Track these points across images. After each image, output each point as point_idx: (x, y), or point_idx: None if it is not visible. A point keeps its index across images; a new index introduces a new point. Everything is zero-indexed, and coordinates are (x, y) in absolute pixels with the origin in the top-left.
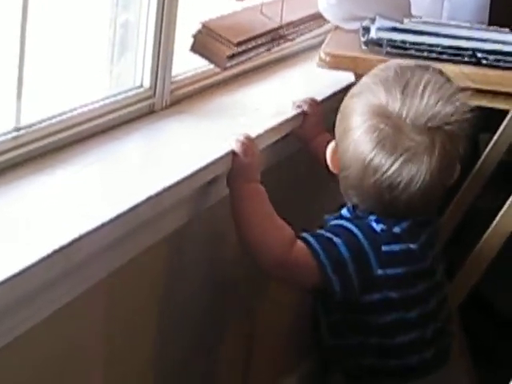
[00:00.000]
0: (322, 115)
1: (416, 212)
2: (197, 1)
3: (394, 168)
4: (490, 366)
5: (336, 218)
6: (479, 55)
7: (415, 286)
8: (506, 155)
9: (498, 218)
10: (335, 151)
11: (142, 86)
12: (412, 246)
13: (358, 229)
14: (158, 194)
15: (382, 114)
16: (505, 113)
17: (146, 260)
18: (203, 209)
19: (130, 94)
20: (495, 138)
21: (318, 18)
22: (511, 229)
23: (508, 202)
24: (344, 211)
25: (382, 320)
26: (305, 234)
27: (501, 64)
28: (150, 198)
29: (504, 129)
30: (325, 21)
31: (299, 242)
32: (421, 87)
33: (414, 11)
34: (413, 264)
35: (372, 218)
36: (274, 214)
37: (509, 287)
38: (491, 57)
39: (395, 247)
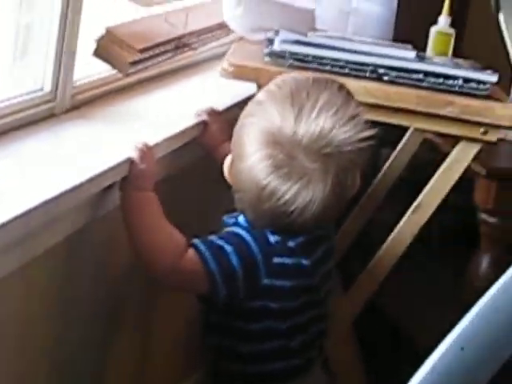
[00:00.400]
0: (225, 124)
1: (311, 230)
2: (102, 6)
3: (288, 195)
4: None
5: (234, 224)
6: (381, 71)
7: (297, 299)
8: (406, 172)
9: (394, 232)
10: (231, 166)
11: (42, 89)
12: (304, 261)
13: (253, 238)
14: (55, 199)
15: (275, 142)
16: (405, 128)
17: (41, 264)
18: (99, 215)
19: (30, 96)
20: (395, 153)
21: (223, 27)
22: (407, 242)
23: (405, 217)
24: (241, 219)
25: (256, 326)
26: (196, 241)
27: (401, 81)
28: (45, 203)
29: (404, 145)
30: (230, 31)
31: (190, 250)
32: (316, 110)
33: (319, 25)
34: (301, 279)
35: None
36: (165, 223)
37: (414, 307)
38: (393, 73)
39: (287, 260)
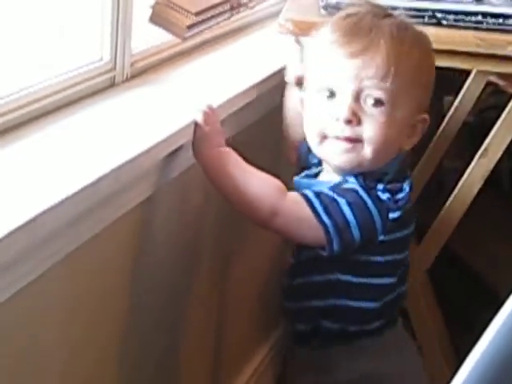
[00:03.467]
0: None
1: None
2: None
3: None
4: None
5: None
6: (439, 15)
7: (402, 251)
8: (472, 117)
9: (464, 178)
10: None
11: (102, 59)
12: (408, 210)
13: (368, 195)
14: (122, 167)
15: None
16: (468, 73)
17: (113, 233)
18: (169, 179)
19: (90, 67)
20: (459, 98)
21: None
22: (477, 188)
23: (473, 163)
24: (352, 180)
25: (364, 281)
26: (301, 191)
27: (460, 24)
28: (113, 171)
29: (466, 90)
30: None
31: (292, 192)
32: None
33: None
34: (406, 229)
35: (380, 187)
36: (253, 169)
37: (489, 252)
38: (451, 16)
39: (397, 214)
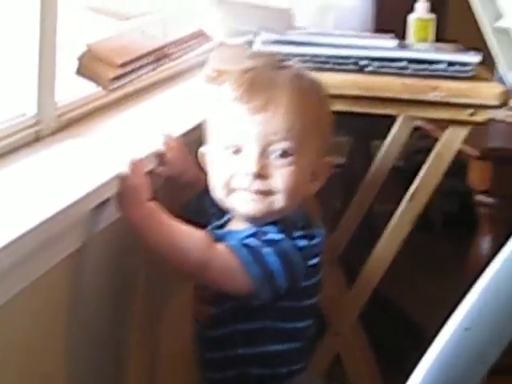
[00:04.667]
0: (184, 151)
1: None
2: (81, 25)
3: None
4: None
5: (250, 235)
6: (363, 62)
7: (318, 294)
8: (401, 161)
9: (393, 221)
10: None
11: (25, 114)
12: (319, 258)
13: (289, 243)
14: (50, 219)
15: None
16: (395, 118)
17: (43, 285)
18: (98, 230)
19: (15, 121)
20: (386, 143)
21: (202, 35)
22: (406, 231)
23: (401, 206)
24: (272, 230)
25: (287, 326)
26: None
27: (384, 70)
28: (41, 224)
29: (394, 134)
30: (209, 37)
31: (219, 244)
32: None
33: (299, 22)
34: (319, 274)
35: (297, 234)
36: (178, 224)
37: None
38: (375, 63)
39: (314, 261)
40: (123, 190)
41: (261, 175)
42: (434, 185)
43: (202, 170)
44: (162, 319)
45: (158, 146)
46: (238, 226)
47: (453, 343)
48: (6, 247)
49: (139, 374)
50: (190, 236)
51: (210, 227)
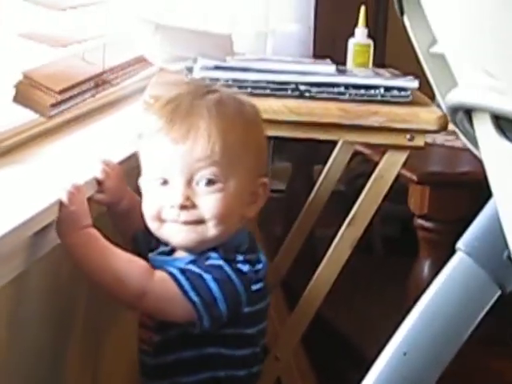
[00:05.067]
0: (121, 178)
1: None
2: (19, 51)
3: None
4: None
5: (190, 262)
6: (302, 88)
7: (263, 321)
8: (342, 185)
9: (333, 246)
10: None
11: None
12: (263, 282)
13: (231, 269)
14: None
15: None
16: (335, 143)
17: None
18: (39, 256)
19: None
20: (327, 167)
21: (142, 61)
22: (346, 255)
23: (341, 230)
24: (213, 254)
25: (236, 353)
26: (166, 268)
27: (323, 95)
28: None
29: (334, 159)
30: (149, 64)
31: (158, 272)
32: None
33: (237, 48)
34: (266, 300)
35: (239, 258)
36: (118, 251)
37: (360, 317)
38: (314, 89)
39: (258, 286)
40: (62, 216)
41: (187, 206)
42: (374, 209)
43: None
44: (104, 347)
45: (97, 173)
46: (181, 254)
47: (391, 368)
48: None
49: None
50: (128, 263)
51: (155, 252)
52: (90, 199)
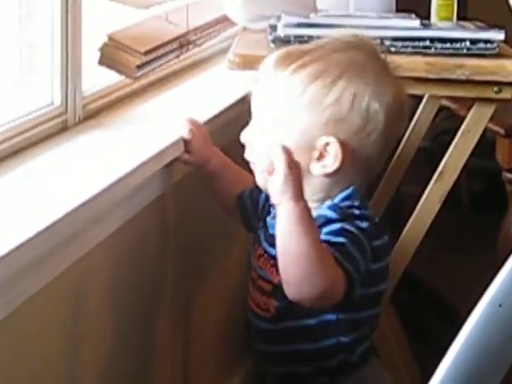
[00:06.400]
0: (208, 137)
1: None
2: (102, 14)
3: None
4: (426, 346)
5: (324, 223)
6: (387, 43)
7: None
8: (428, 141)
9: (421, 202)
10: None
11: (52, 103)
12: (386, 237)
13: (355, 229)
14: (75, 211)
15: None
16: (421, 98)
17: (75, 275)
18: (126, 220)
19: (41, 112)
20: (413, 123)
21: (225, 21)
22: (435, 211)
23: (429, 186)
24: (328, 213)
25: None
26: (346, 265)
27: (408, 50)
28: (68, 215)
29: (420, 114)
30: (233, 23)
31: (341, 274)
32: None
33: (320, 5)
34: (388, 257)
35: (356, 213)
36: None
37: (449, 272)
38: (398, 43)
39: (379, 242)
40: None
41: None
42: (462, 164)
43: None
44: (194, 304)
45: (183, 132)
46: None
47: (486, 320)
48: (49, 227)
49: (172, 360)
50: (331, 265)
51: (271, 216)
52: (176, 160)
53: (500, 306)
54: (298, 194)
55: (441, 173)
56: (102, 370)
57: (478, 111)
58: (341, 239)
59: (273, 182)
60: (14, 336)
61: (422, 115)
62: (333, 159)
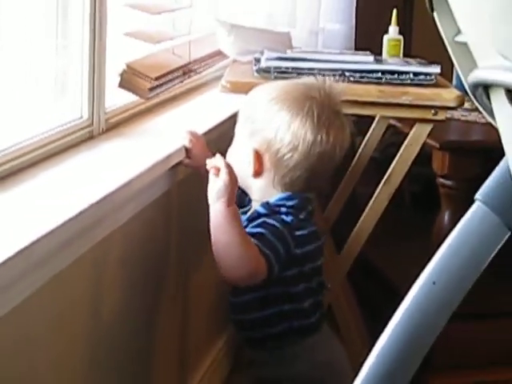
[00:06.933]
0: (205, 147)
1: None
2: (122, 47)
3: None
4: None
5: (254, 218)
6: (347, 74)
7: (318, 259)
8: (377, 153)
9: (372, 200)
10: (259, 156)
11: (81, 116)
12: (312, 228)
13: (277, 222)
14: (97, 202)
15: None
16: (372, 118)
17: (96, 255)
18: (138, 210)
19: (72, 124)
20: (366, 138)
21: (219, 54)
22: (383, 207)
23: (379, 188)
24: (259, 209)
25: (295, 289)
26: (266, 251)
27: (364, 80)
28: (92, 206)
29: (372, 131)
30: (225, 56)
31: (262, 260)
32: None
33: (294, 43)
34: (317, 241)
35: (283, 210)
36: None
37: (394, 257)
38: (357, 74)
39: (304, 231)
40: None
41: None
42: (405, 170)
43: None
44: (191, 280)
45: (185, 142)
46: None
47: (422, 296)
48: (76, 215)
49: (172, 321)
50: (250, 251)
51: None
52: (179, 163)
53: (434, 283)
54: (231, 200)
55: (388, 177)
56: (118, 326)
57: (418, 129)
58: (261, 230)
59: (213, 186)
60: (48, 304)
61: (374, 131)
62: (252, 165)
